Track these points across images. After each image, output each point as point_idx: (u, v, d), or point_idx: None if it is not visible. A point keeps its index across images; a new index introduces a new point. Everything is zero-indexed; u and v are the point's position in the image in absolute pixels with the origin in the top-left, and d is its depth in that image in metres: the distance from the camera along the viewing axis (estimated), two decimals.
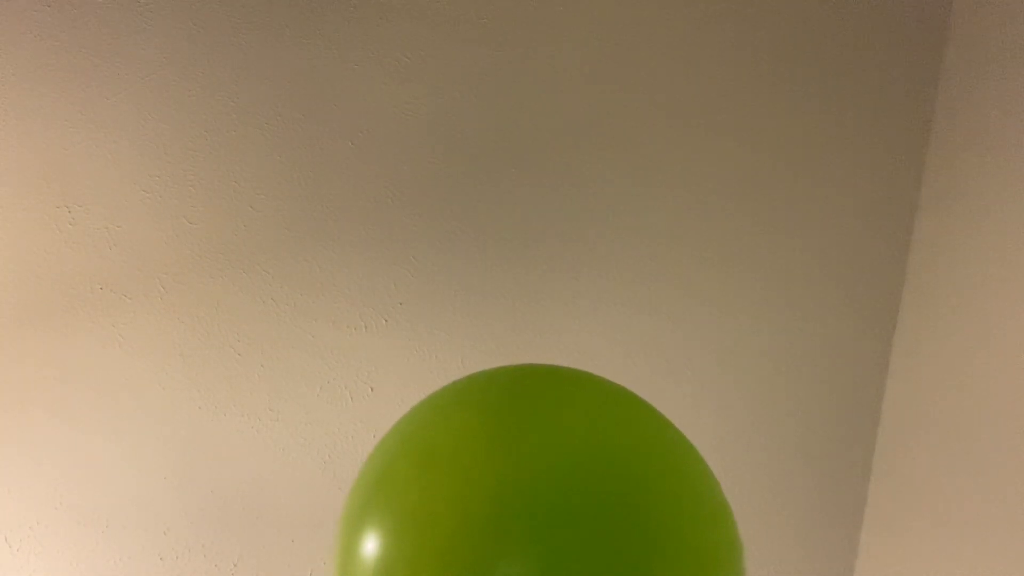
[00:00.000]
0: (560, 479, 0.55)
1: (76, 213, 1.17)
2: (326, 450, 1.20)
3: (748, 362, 1.26)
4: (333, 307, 1.21)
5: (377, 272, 1.22)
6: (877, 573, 1.23)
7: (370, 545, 0.56)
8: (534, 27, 1.24)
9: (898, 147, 1.27)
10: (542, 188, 1.24)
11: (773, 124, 1.27)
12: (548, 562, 0.52)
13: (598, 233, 1.25)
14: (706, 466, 0.63)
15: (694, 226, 1.26)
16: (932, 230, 1.24)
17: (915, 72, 1.27)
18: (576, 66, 1.24)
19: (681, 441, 0.64)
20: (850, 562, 1.27)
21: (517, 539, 0.53)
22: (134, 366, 1.18)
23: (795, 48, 1.27)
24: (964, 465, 1.08)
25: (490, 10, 1.23)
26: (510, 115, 1.24)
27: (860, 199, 1.27)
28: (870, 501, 1.26)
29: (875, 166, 1.27)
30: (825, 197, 1.27)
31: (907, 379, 1.24)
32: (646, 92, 1.26)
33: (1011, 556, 0.98)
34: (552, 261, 1.24)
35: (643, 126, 1.26)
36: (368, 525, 0.58)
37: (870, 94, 1.27)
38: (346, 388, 1.21)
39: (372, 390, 1.21)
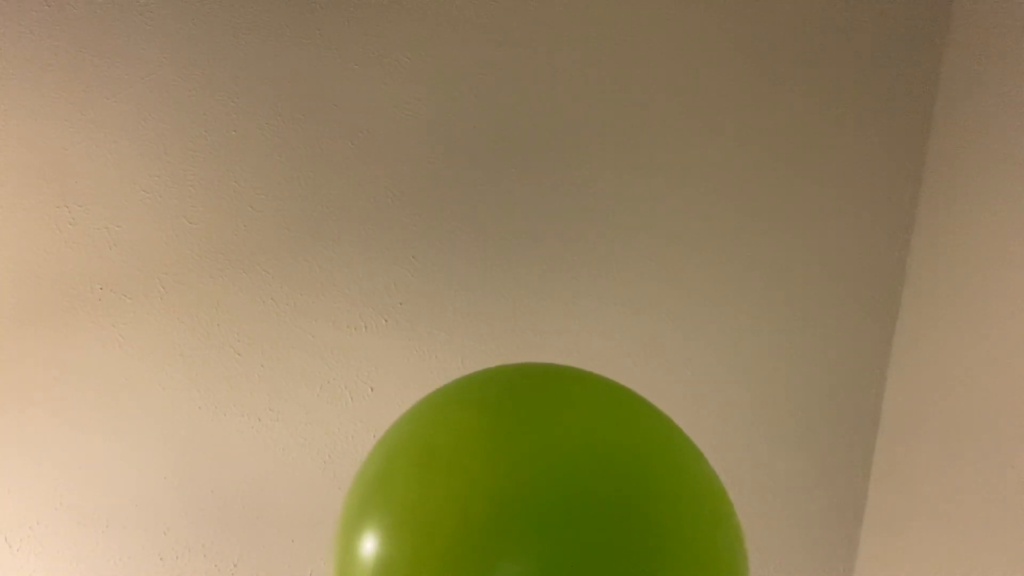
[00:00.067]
0: (561, 479, 0.55)
1: (76, 213, 1.17)
2: (326, 450, 1.20)
3: (748, 362, 1.26)
4: (333, 307, 1.21)
5: (377, 272, 1.22)
6: (877, 573, 1.23)
7: (369, 545, 0.56)
8: (534, 27, 1.24)
9: (898, 147, 1.27)
10: (542, 188, 1.24)
11: (773, 124, 1.27)
12: (549, 563, 0.52)
13: (598, 233, 1.25)
14: (709, 465, 0.63)
15: (694, 226, 1.26)
16: (932, 230, 1.24)
17: (915, 72, 1.27)
18: (576, 66, 1.24)
19: (683, 440, 0.63)
20: (850, 562, 1.27)
21: (517, 539, 0.53)
22: (134, 366, 1.18)
23: (795, 48, 1.27)
24: (964, 465, 1.08)
25: (490, 10, 1.23)
26: (510, 115, 1.24)
27: (860, 199, 1.27)
28: (870, 501, 1.26)
29: (875, 166, 1.27)
30: (825, 196, 1.27)
31: (907, 379, 1.24)
32: (646, 92, 1.26)
33: (1011, 556, 0.98)
34: (552, 261, 1.24)
35: (643, 126, 1.26)
36: (367, 525, 0.57)
37: (870, 94, 1.27)
38: (346, 388, 1.21)
39: (372, 390, 1.21)
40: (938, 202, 1.24)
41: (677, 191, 1.26)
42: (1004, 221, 1.09)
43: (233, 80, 1.19)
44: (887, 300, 1.27)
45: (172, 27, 1.18)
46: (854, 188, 1.27)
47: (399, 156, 1.22)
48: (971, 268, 1.14)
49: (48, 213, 1.16)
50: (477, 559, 0.52)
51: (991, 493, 1.03)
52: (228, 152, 1.19)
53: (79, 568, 1.16)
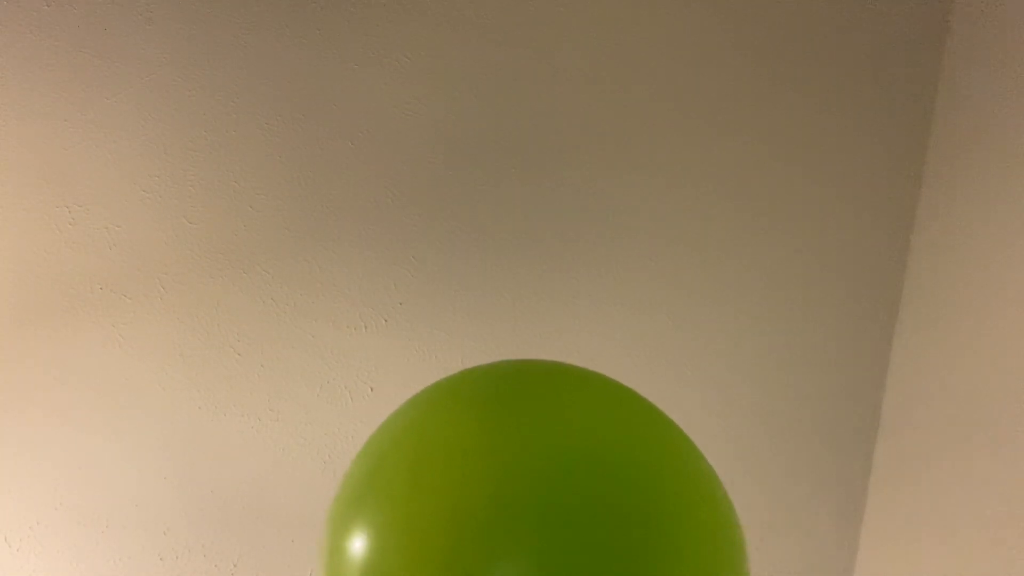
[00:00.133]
0: (558, 478, 0.53)
1: (76, 213, 1.17)
2: (326, 450, 1.20)
3: (748, 361, 1.26)
4: (333, 307, 1.21)
5: (377, 272, 1.21)
6: (877, 573, 1.23)
7: (359, 549, 0.54)
8: (534, 27, 1.24)
9: (898, 147, 1.27)
10: (542, 188, 1.24)
11: (773, 124, 1.27)
12: (547, 565, 0.51)
13: (598, 233, 1.25)
14: (709, 465, 0.62)
15: (694, 226, 1.26)
16: (932, 230, 1.24)
17: (915, 72, 1.27)
18: (576, 66, 1.24)
19: (682, 439, 0.63)
20: (850, 563, 1.26)
21: (514, 542, 0.52)
22: (134, 366, 1.18)
23: (795, 48, 1.27)
24: (964, 465, 1.08)
25: (490, 10, 1.23)
26: (510, 115, 1.24)
27: (860, 199, 1.27)
28: (870, 502, 1.26)
29: (875, 166, 1.27)
30: (825, 197, 1.27)
31: (907, 379, 1.24)
32: (646, 92, 1.26)
33: (1011, 556, 0.98)
34: (552, 261, 1.24)
35: (643, 126, 1.26)
36: (357, 528, 0.55)
37: (870, 94, 1.27)
38: (346, 388, 1.21)
39: (372, 390, 1.21)
40: (938, 202, 1.24)
41: (677, 191, 1.26)
42: (1004, 221, 1.09)
43: (233, 80, 1.19)
44: (887, 300, 1.27)
45: (172, 27, 1.18)
46: (854, 188, 1.27)
47: (399, 156, 1.22)
48: (971, 268, 1.14)
49: (48, 213, 1.16)
50: (472, 562, 0.51)
51: (991, 493, 1.03)
52: (228, 152, 1.19)
53: (79, 568, 1.16)
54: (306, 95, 1.20)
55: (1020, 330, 1.03)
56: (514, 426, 0.57)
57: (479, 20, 1.23)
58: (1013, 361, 1.03)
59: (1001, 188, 1.10)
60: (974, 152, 1.17)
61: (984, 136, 1.16)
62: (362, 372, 1.21)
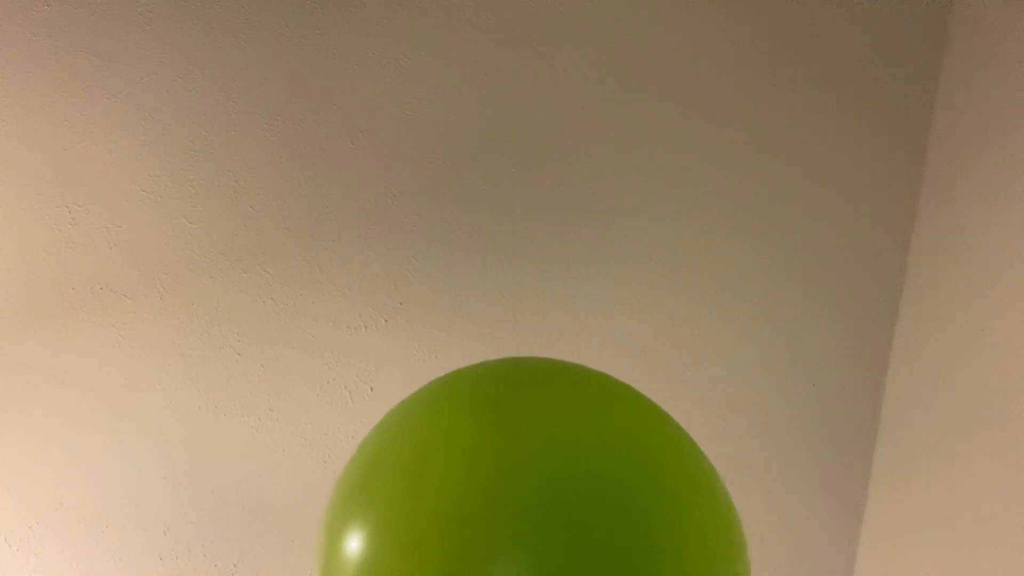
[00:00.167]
0: (557, 477, 0.53)
1: (76, 213, 1.17)
2: (326, 450, 1.20)
3: (747, 361, 1.26)
4: (333, 307, 1.21)
5: (377, 272, 1.21)
6: (877, 573, 1.23)
7: (355, 553, 0.53)
8: (534, 27, 1.24)
9: (898, 147, 1.27)
10: (542, 188, 1.24)
11: (773, 124, 1.27)
12: (546, 564, 0.50)
13: (597, 232, 1.25)
14: (709, 463, 0.62)
15: (694, 225, 1.26)
16: (932, 230, 1.24)
17: (915, 72, 1.27)
18: (576, 66, 1.24)
19: (682, 436, 0.62)
20: (850, 563, 1.26)
21: (513, 541, 0.51)
22: (134, 366, 1.18)
23: (795, 48, 1.27)
24: (964, 465, 1.08)
25: (490, 10, 1.23)
26: (510, 115, 1.24)
27: (860, 198, 1.27)
28: (870, 502, 1.26)
29: (875, 166, 1.27)
30: (825, 196, 1.27)
31: (907, 379, 1.24)
32: (646, 92, 1.26)
33: (1011, 556, 0.98)
34: (552, 260, 1.24)
35: (643, 126, 1.26)
36: (353, 530, 0.54)
37: (870, 94, 1.27)
38: (346, 388, 1.21)
39: (372, 390, 1.21)
40: (938, 202, 1.24)
41: (677, 191, 1.26)
42: (1004, 221, 1.09)
43: (233, 80, 1.19)
44: (887, 300, 1.27)
45: (172, 27, 1.18)
46: (854, 188, 1.27)
47: (399, 156, 1.22)
48: (971, 268, 1.14)
49: (48, 213, 1.16)
50: (470, 563, 0.50)
51: (991, 493, 1.03)
52: (228, 152, 1.19)
53: (79, 568, 1.16)
54: (306, 95, 1.20)
55: (1020, 330, 1.03)
56: (512, 424, 0.56)
57: (479, 20, 1.23)
58: (1013, 361, 1.03)
59: (1001, 188, 1.10)
60: (974, 152, 1.17)
61: (984, 136, 1.16)
62: (362, 372, 1.21)
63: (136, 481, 1.18)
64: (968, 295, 1.13)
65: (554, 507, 0.52)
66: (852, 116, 1.27)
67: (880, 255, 1.27)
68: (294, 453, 1.20)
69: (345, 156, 1.21)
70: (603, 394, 0.62)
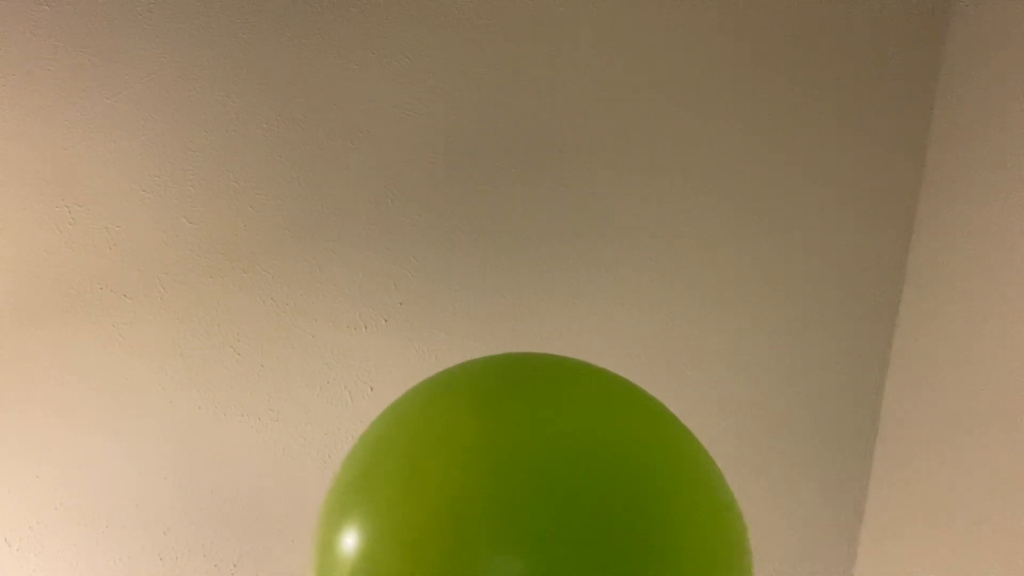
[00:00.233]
0: (557, 473, 0.52)
1: (76, 213, 1.17)
2: (326, 450, 1.20)
3: (748, 361, 1.26)
4: (333, 307, 1.21)
5: (377, 272, 1.21)
6: (877, 573, 1.23)
7: (353, 550, 0.53)
8: (534, 27, 1.24)
9: (898, 145, 1.27)
10: (542, 188, 1.24)
11: (773, 123, 1.27)
12: (546, 560, 0.50)
13: (598, 232, 1.25)
14: (710, 458, 0.61)
15: (694, 225, 1.26)
16: (932, 229, 1.24)
17: (915, 71, 1.27)
18: (576, 66, 1.24)
19: (682, 432, 0.61)
20: (850, 562, 1.26)
21: (513, 537, 0.51)
22: (134, 366, 1.18)
23: (795, 47, 1.27)
24: (964, 465, 1.08)
25: (490, 10, 1.23)
26: (509, 115, 1.24)
27: (860, 198, 1.27)
28: (870, 501, 1.26)
29: (875, 164, 1.27)
30: (825, 195, 1.27)
31: (907, 379, 1.24)
32: (645, 91, 1.26)
33: (1011, 556, 0.98)
34: (552, 260, 1.24)
35: (643, 125, 1.26)
36: (350, 529, 0.54)
37: (870, 93, 1.27)
38: (346, 388, 1.21)
39: (372, 390, 1.21)
40: (938, 202, 1.24)
41: (677, 191, 1.26)
42: (1004, 221, 1.09)
43: (233, 80, 1.19)
44: (887, 300, 1.27)
45: (172, 27, 1.18)
46: (854, 188, 1.27)
47: (399, 156, 1.22)
48: (971, 268, 1.14)
49: (48, 213, 1.16)
50: (470, 559, 0.50)
51: (991, 493, 1.03)
52: (228, 152, 1.19)
53: (79, 568, 1.16)
54: (306, 95, 1.20)
55: (1020, 330, 1.03)
56: (512, 420, 0.56)
57: (479, 20, 1.23)
58: (1012, 361, 1.03)
59: (1001, 188, 1.10)
60: (974, 151, 1.17)
61: (984, 135, 1.16)
62: (362, 372, 1.21)
63: (136, 481, 1.18)
64: (968, 295, 1.13)
65: (554, 503, 0.51)
66: (852, 116, 1.27)
67: (880, 255, 1.27)
68: (294, 453, 1.20)
69: (345, 156, 1.21)
70: (603, 389, 0.62)
